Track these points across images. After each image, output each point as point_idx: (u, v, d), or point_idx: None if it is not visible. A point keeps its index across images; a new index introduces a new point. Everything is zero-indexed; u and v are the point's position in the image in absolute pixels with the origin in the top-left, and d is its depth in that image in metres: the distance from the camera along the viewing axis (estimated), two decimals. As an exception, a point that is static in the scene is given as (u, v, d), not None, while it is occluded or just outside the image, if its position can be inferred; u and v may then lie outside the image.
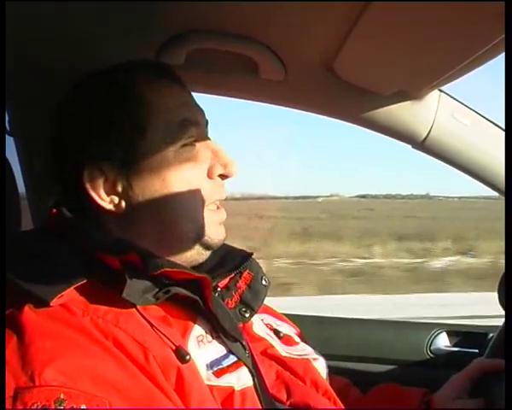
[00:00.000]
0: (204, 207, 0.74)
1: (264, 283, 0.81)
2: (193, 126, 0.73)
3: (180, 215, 0.72)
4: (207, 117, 0.79)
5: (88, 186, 0.70)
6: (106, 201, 0.71)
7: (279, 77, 1.03)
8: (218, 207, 0.77)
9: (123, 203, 0.71)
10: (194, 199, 0.73)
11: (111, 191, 0.71)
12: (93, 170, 0.70)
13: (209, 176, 0.75)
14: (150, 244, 0.70)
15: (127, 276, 0.62)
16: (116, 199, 0.71)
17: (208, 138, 0.77)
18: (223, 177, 0.76)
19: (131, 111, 0.71)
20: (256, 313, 0.79)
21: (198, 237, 0.74)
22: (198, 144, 0.74)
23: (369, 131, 1.13)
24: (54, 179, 0.77)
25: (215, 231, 0.75)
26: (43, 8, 0.78)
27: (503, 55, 0.64)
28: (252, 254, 0.83)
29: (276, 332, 0.87)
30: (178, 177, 0.71)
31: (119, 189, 0.71)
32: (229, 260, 0.80)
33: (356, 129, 1.15)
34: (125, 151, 0.71)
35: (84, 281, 0.62)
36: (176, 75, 0.77)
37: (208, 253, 0.76)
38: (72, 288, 0.60)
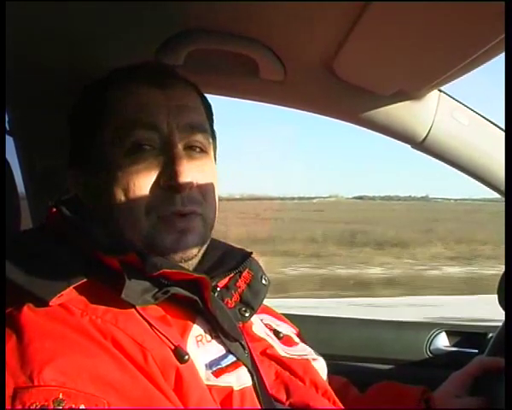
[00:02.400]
0: (148, 217, 0.70)
1: (264, 282, 0.80)
2: (143, 129, 0.71)
3: (122, 221, 0.71)
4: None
5: (72, 186, 0.76)
6: (85, 200, 0.75)
7: (279, 77, 1.03)
8: (177, 216, 0.71)
9: (92, 204, 0.75)
10: (136, 207, 0.70)
11: (86, 190, 0.75)
12: (75, 169, 0.77)
13: (159, 185, 0.70)
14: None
15: (126, 276, 0.62)
16: (90, 199, 0.75)
17: (170, 145, 0.72)
18: (171, 188, 0.70)
19: (89, 111, 0.75)
20: (256, 312, 0.78)
21: (148, 247, 0.70)
22: (150, 149, 0.71)
23: (370, 132, 1.13)
24: (53, 179, 0.78)
25: (169, 242, 0.70)
26: (43, 8, 0.78)
27: (503, 55, 0.65)
28: (251, 253, 0.82)
29: (276, 333, 0.86)
30: (125, 181, 0.70)
31: (90, 189, 0.75)
32: (229, 259, 0.79)
33: (358, 130, 1.15)
34: (85, 151, 0.75)
35: (84, 281, 0.62)
36: (158, 78, 0.75)
37: (188, 263, 0.73)
38: (71, 288, 0.61)
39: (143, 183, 0.70)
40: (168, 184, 0.70)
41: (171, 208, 0.70)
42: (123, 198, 0.70)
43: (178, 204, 0.71)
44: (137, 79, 0.74)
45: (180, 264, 0.71)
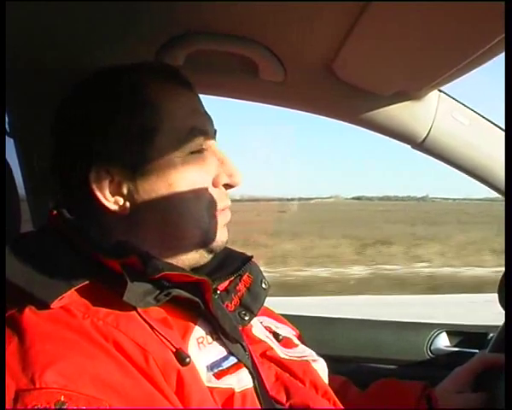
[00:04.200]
0: (208, 213, 0.74)
1: (263, 286, 0.81)
2: (202, 136, 0.73)
3: (185, 220, 0.72)
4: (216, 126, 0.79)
5: (94, 186, 0.70)
6: (110, 201, 0.71)
7: (279, 78, 1.03)
8: (222, 210, 0.77)
9: (127, 205, 0.71)
10: (199, 204, 0.73)
11: (116, 192, 0.71)
12: (100, 171, 0.70)
13: (214, 184, 0.75)
14: (152, 247, 0.70)
15: (128, 279, 0.62)
16: (121, 200, 0.71)
17: (216, 147, 0.77)
18: (227, 186, 0.76)
19: (140, 114, 0.71)
20: (255, 316, 0.78)
21: (202, 241, 0.74)
22: (205, 152, 0.74)
23: (369, 132, 1.13)
24: (54, 181, 0.77)
25: (219, 235, 0.76)
26: (42, 8, 0.78)
27: (503, 54, 0.65)
28: (252, 257, 0.82)
29: (276, 335, 0.87)
30: (185, 182, 0.71)
31: (125, 190, 0.71)
32: (229, 262, 0.80)
33: (360, 131, 1.15)
34: (133, 154, 0.70)
35: (85, 283, 0.62)
36: (185, 80, 0.76)
37: (210, 256, 0.76)
38: (72, 290, 0.60)
39: (204, 182, 0.74)
40: (225, 182, 0.76)
41: (226, 202, 0.77)
42: (186, 197, 0.72)
43: (228, 198, 0.78)
44: (173, 80, 0.75)
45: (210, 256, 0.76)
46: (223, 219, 0.76)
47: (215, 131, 0.79)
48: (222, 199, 0.76)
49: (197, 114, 0.76)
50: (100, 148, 0.71)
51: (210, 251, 0.76)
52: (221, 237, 0.76)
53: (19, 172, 1.18)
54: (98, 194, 0.70)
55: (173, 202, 0.71)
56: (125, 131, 0.70)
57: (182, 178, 0.71)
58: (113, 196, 0.71)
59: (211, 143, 0.76)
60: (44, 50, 0.92)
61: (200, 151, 0.73)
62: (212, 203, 0.74)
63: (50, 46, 0.91)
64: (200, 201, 0.73)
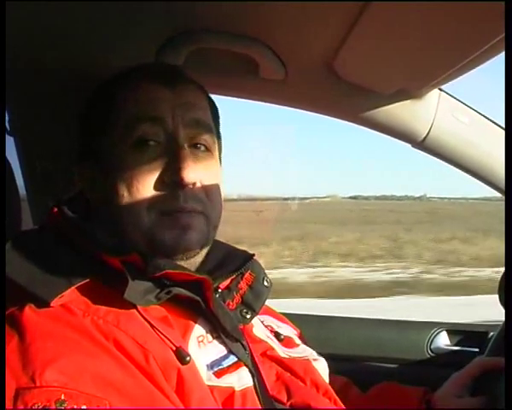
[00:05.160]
0: (150, 213, 0.70)
1: (265, 284, 0.80)
2: (149, 122, 0.71)
3: (124, 218, 0.71)
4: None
5: (79, 182, 0.76)
6: (91, 197, 0.75)
7: (279, 76, 1.03)
8: (180, 211, 0.70)
9: (98, 201, 0.75)
10: (138, 203, 0.69)
11: (92, 187, 0.75)
12: (83, 166, 0.76)
13: (160, 182, 0.70)
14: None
15: (129, 277, 0.62)
16: (98, 196, 0.75)
17: (177, 141, 0.71)
18: (174, 184, 0.70)
19: (100, 109, 0.75)
20: (257, 314, 0.78)
21: (148, 247, 0.69)
22: (155, 145, 0.71)
23: (370, 132, 1.13)
24: (53, 179, 0.78)
25: (168, 238, 0.70)
26: (43, 8, 0.78)
27: (503, 54, 0.65)
28: (253, 255, 0.82)
29: (277, 335, 0.86)
30: (125, 176, 0.70)
31: (97, 186, 0.74)
32: (231, 261, 0.79)
33: (361, 131, 1.15)
34: (94, 149, 0.75)
35: (85, 281, 0.62)
36: (164, 76, 0.75)
37: (189, 261, 0.72)
38: (72, 288, 0.60)
39: (146, 178, 0.70)
40: (171, 179, 0.69)
41: (174, 204, 0.70)
42: (126, 194, 0.70)
43: (181, 200, 0.70)
44: (147, 77, 0.75)
45: (182, 262, 0.71)
46: (170, 222, 0.70)
47: (197, 122, 0.74)
48: (169, 198, 0.70)
49: (153, 102, 0.72)
50: (81, 145, 0.78)
51: (168, 254, 0.70)
52: (170, 242, 0.69)
53: (19, 170, 1.18)
54: (84, 189, 0.76)
55: (114, 200, 0.71)
56: (91, 127, 0.77)
57: (125, 173, 0.70)
58: (91, 191, 0.76)
59: (170, 134, 0.71)
60: (44, 50, 0.92)
61: (146, 143, 0.70)
62: (153, 204, 0.69)
63: (50, 46, 0.91)
64: (140, 199, 0.69)
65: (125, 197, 0.70)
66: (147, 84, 0.74)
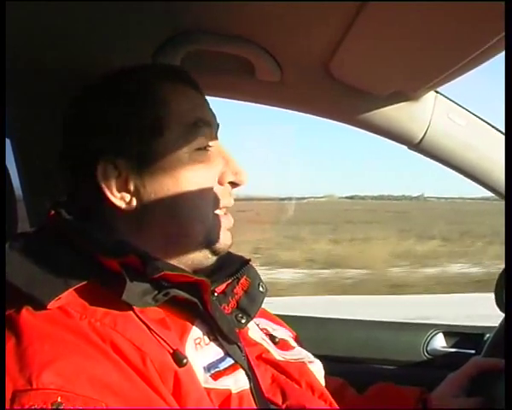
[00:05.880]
0: (213, 211, 0.74)
1: (261, 289, 0.80)
2: (205, 127, 0.74)
3: (191, 217, 0.73)
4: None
5: (101, 182, 0.70)
6: (117, 197, 0.71)
7: (275, 78, 1.03)
8: (225, 213, 0.77)
9: (134, 201, 0.71)
10: (205, 202, 0.73)
11: (123, 188, 0.71)
12: (107, 166, 0.70)
13: (219, 182, 0.75)
14: (157, 245, 0.71)
15: (127, 278, 0.62)
16: (127, 197, 0.71)
17: (220, 145, 0.77)
18: (232, 185, 0.77)
19: (149, 111, 0.72)
20: (252, 319, 0.78)
21: (206, 240, 0.74)
22: (211, 149, 0.75)
23: (368, 133, 1.13)
24: (57, 180, 0.77)
25: (223, 236, 0.76)
26: (43, 9, 0.78)
27: (501, 55, 0.65)
28: (249, 260, 0.82)
29: (272, 337, 0.86)
30: (191, 179, 0.72)
31: (131, 187, 0.71)
32: (227, 265, 0.79)
33: (359, 131, 1.15)
34: (140, 150, 0.71)
35: (82, 283, 0.62)
36: (189, 77, 0.77)
37: (214, 258, 0.76)
38: (69, 290, 0.60)
39: (209, 180, 0.74)
40: (232, 181, 0.76)
41: (229, 201, 0.77)
42: (192, 195, 0.72)
43: (231, 198, 0.78)
44: (179, 79, 0.76)
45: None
46: (225, 222, 0.76)
47: (218, 125, 0.79)
48: (226, 198, 0.76)
49: (201, 107, 0.77)
50: (106, 144, 0.71)
51: (214, 252, 0.75)
52: (224, 240, 0.76)
53: (15, 172, 1.18)
54: (105, 190, 0.70)
55: (180, 199, 0.71)
56: (132, 127, 0.71)
57: (188, 174, 0.71)
58: (119, 191, 0.71)
59: (215, 141, 0.76)
60: (44, 50, 0.92)
61: (205, 148, 0.74)
62: (216, 201, 0.75)
63: (50, 46, 0.90)
64: (206, 198, 0.73)
65: (192, 197, 0.72)
66: (185, 87, 0.76)
